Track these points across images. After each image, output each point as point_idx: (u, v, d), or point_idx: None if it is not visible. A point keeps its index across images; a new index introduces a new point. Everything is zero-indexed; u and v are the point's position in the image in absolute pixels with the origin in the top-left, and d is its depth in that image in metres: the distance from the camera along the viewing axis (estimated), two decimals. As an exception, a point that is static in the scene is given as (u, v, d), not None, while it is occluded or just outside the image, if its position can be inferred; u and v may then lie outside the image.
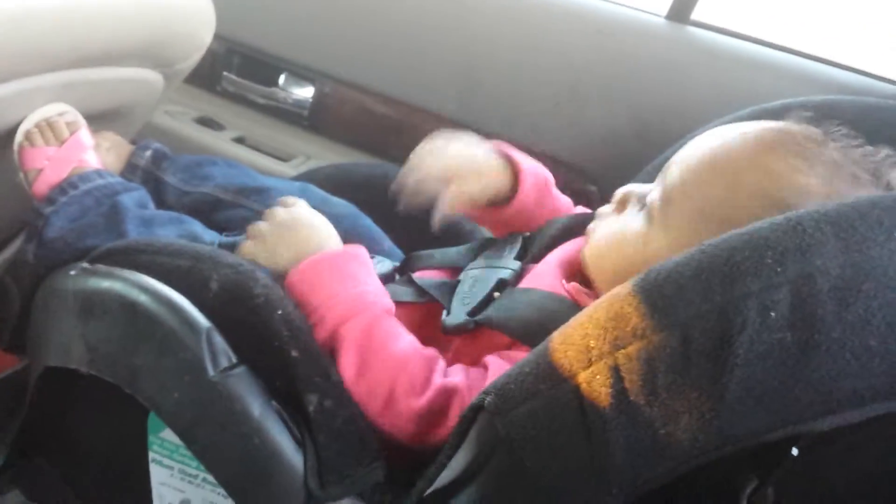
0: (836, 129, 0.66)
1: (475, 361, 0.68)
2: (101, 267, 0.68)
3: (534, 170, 0.85)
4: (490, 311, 0.69)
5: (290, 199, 0.78)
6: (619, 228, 0.70)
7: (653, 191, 0.69)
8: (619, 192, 0.73)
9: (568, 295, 0.68)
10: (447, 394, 0.63)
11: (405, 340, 0.68)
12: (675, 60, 1.12)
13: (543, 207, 0.85)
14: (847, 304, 0.46)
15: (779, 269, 0.47)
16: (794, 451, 0.51)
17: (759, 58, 1.10)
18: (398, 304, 0.77)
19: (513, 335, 0.66)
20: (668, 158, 0.71)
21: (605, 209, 0.74)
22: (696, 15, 1.14)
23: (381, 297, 0.70)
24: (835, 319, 0.46)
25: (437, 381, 0.64)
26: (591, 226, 0.74)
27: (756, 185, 0.61)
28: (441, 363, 0.67)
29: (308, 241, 0.72)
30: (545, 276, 0.72)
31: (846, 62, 1.08)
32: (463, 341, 0.71)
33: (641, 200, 0.70)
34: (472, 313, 0.70)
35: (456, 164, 0.81)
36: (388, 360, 0.65)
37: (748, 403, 0.48)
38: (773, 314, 0.47)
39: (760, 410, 0.48)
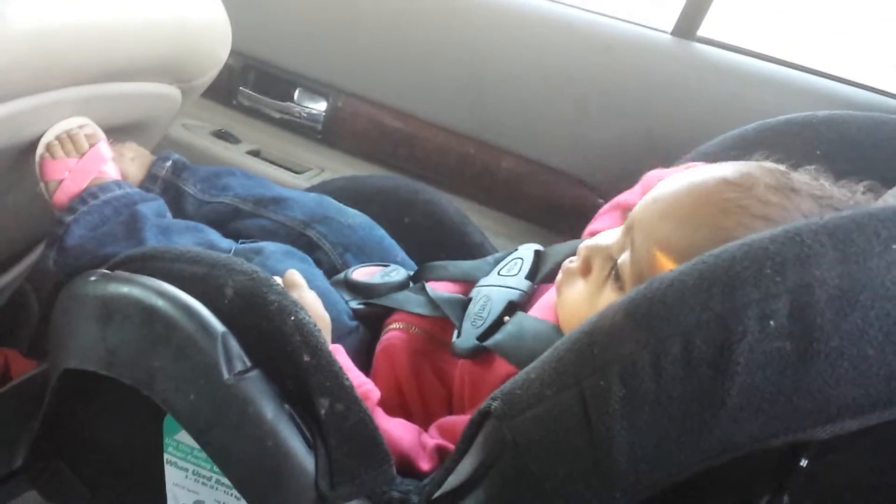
0: (807, 171, 0.65)
1: (479, 382, 0.69)
2: (120, 273, 0.70)
3: None
4: (499, 337, 0.70)
5: (295, 279, 0.74)
6: (589, 296, 0.68)
7: (619, 254, 0.66)
8: (582, 251, 0.70)
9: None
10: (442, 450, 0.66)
11: (395, 422, 0.69)
12: (681, 76, 1.14)
13: None
14: (845, 313, 0.47)
15: (778, 279, 0.48)
16: (804, 462, 0.52)
17: (764, 73, 1.12)
18: (410, 314, 0.79)
19: (518, 365, 0.66)
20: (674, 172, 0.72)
21: (569, 265, 0.71)
22: (702, 31, 1.16)
23: (368, 387, 0.70)
24: (833, 329, 0.47)
25: (430, 442, 0.67)
26: (557, 280, 0.72)
27: (723, 235, 0.58)
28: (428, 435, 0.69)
29: None
30: (551, 306, 0.72)
31: (850, 77, 1.10)
32: (470, 361, 0.72)
33: (608, 260, 0.68)
34: (481, 337, 0.71)
35: None
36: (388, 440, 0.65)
37: (748, 410, 0.49)
38: (772, 323, 0.48)
39: (760, 417, 0.49)
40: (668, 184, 0.66)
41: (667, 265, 0.62)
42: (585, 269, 0.69)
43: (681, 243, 0.62)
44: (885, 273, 0.48)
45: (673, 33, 1.17)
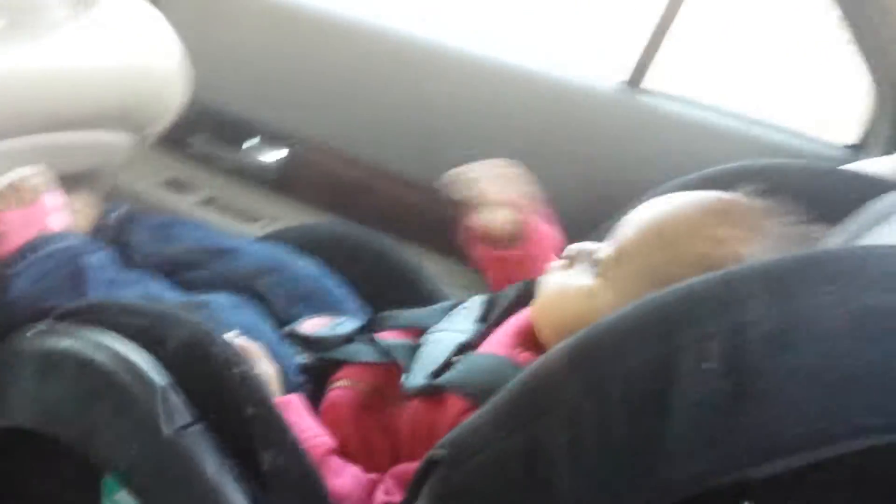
0: (782, 204, 0.69)
1: (431, 425, 0.69)
2: (59, 326, 0.69)
3: (549, 229, 0.91)
4: (449, 375, 0.70)
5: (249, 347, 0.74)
6: (567, 282, 0.72)
7: (603, 248, 0.71)
8: (571, 249, 0.75)
9: (522, 364, 0.69)
10: None
11: (347, 475, 0.69)
12: (626, 126, 1.17)
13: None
14: (777, 353, 0.48)
15: (711, 322, 0.49)
16: None
17: (708, 123, 1.15)
18: (358, 365, 0.79)
19: (469, 398, 0.67)
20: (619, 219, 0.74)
21: (555, 264, 0.76)
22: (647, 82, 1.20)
23: (321, 438, 0.70)
24: (766, 368, 0.48)
25: (379, 499, 0.66)
26: (540, 278, 0.76)
27: (698, 251, 0.64)
28: (381, 487, 0.68)
29: None
30: (501, 342, 0.74)
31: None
32: (421, 404, 0.71)
33: (590, 256, 0.72)
34: (432, 376, 0.72)
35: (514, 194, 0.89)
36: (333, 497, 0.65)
37: (688, 450, 0.49)
38: (707, 364, 0.49)
39: (700, 457, 0.50)
40: (661, 197, 0.73)
41: (641, 264, 0.67)
42: (567, 264, 0.74)
43: (659, 241, 0.67)
44: (815, 313, 0.49)
45: (619, 83, 1.20)
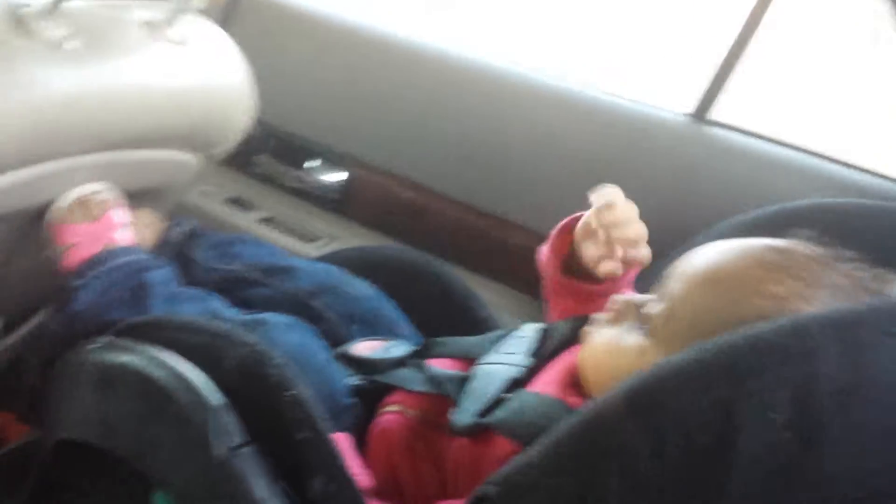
0: (842, 251, 0.65)
1: (477, 464, 0.68)
2: (120, 341, 0.70)
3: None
4: (499, 414, 0.69)
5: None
6: (616, 340, 0.69)
7: (651, 302, 0.68)
8: (617, 302, 0.71)
9: (573, 407, 0.67)
10: None
11: None
12: (692, 158, 1.14)
13: None
14: (847, 407, 0.46)
15: (781, 371, 0.47)
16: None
17: (777, 158, 1.12)
18: (409, 392, 0.78)
19: (519, 441, 0.65)
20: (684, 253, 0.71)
21: (600, 316, 0.72)
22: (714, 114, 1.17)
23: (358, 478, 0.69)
24: (834, 421, 0.46)
25: None
26: (585, 329, 0.73)
27: (756, 307, 0.60)
28: None
29: None
30: (554, 381, 0.71)
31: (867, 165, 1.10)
32: (469, 441, 0.70)
33: (638, 311, 0.69)
34: (481, 413, 0.70)
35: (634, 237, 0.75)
36: None
37: (748, 502, 0.48)
38: (772, 415, 0.47)
39: (760, 508, 0.48)
40: (711, 245, 0.68)
41: (696, 316, 0.63)
42: (615, 318, 0.70)
43: (714, 294, 0.63)
44: (887, 366, 0.47)
45: (685, 115, 1.18)
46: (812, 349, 0.48)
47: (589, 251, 0.76)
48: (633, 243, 0.74)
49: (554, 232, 0.84)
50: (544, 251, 0.86)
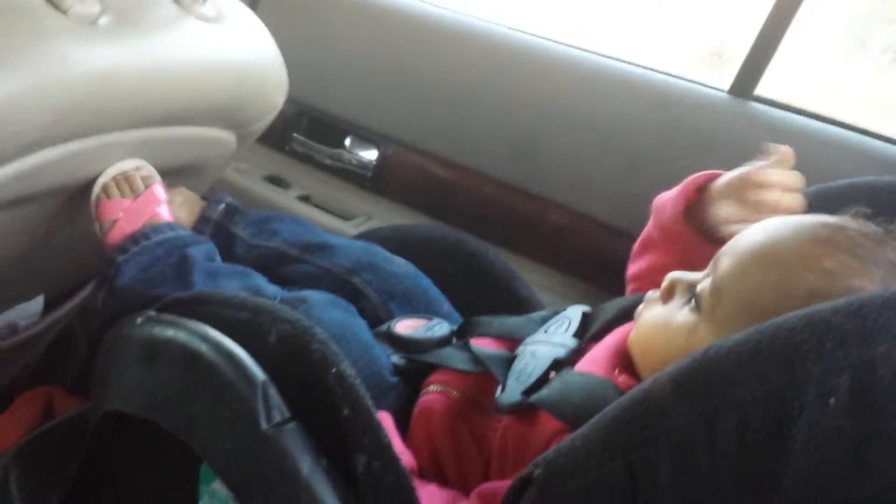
0: (894, 229, 0.64)
1: (524, 443, 0.67)
2: (166, 316, 0.70)
3: None
4: (544, 392, 0.68)
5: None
6: (666, 318, 0.68)
7: (702, 280, 0.67)
8: (667, 279, 0.70)
9: (620, 386, 0.66)
10: None
11: (429, 490, 0.67)
12: (736, 135, 1.12)
13: None
14: (909, 392, 0.45)
15: (840, 354, 0.46)
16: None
17: (822, 135, 1.10)
18: (452, 371, 0.78)
19: (564, 420, 0.65)
20: None
21: (652, 295, 0.72)
22: (759, 90, 1.15)
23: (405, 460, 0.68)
24: (895, 408, 0.45)
25: None
26: (638, 309, 0.72)
27: (807, 284, 0.59)
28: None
29: None
30: (600, 360, 0.71)
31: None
32: (514, 420, 0.70)
33: (689, 289, 0.68)
34: (526, 392, 0.70)
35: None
36: None
37: (805, 490, 0.47)
38: (832, 399, 0.45)
39: (817, 499, 0.47)
40: (762, 223, 0.66)
41: (746, 293, 0.62)
42: (667, 296, 0.69)
43: (764, 269, 0.62)
44: (952, 351, 0.45)
45: (729, 92, 1.15)
46: (872, 330, 0.46)
47: (724, 209, 0.75)
48: (779, 213, 0.71)
49: (689, 179, 0.82)
50: (669, 194, 0.84)
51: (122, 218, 0.88)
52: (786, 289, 0.60)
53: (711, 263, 0.67)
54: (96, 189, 0.89)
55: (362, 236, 1.12)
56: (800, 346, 0.47)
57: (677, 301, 0.68)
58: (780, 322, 0.49)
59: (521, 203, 1.28)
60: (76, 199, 0.91)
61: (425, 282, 0.97)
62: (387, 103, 1.38)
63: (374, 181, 1.39)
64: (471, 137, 1.31)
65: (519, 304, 0.99)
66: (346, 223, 1.34)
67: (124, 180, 0.90)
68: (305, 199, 1.39)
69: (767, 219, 0.67)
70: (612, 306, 0.79)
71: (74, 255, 1.01)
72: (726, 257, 0.65)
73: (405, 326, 0.85)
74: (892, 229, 0.64)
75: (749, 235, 0.66)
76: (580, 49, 1.27)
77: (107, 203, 0.89)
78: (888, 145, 1.08)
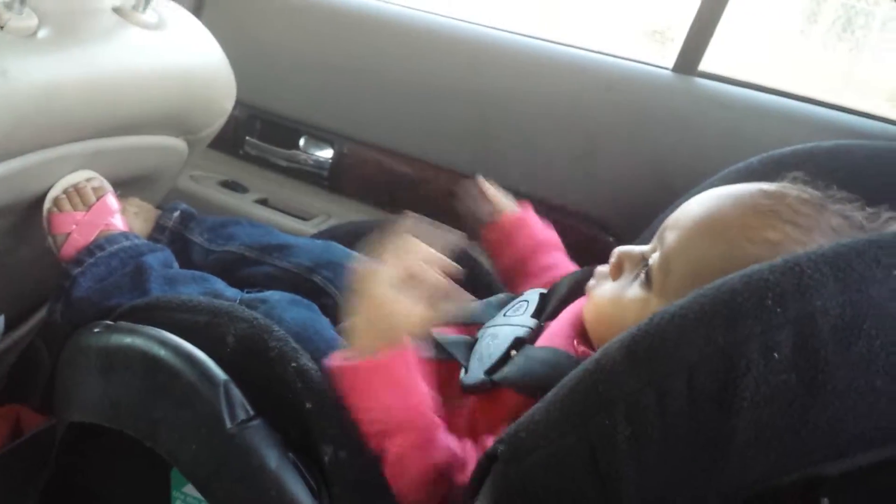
0: (834, 193, 0.66)
1: (492, 420, 0.68)
2: (123, 324, 0.70)
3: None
4: (506, 370, 0.70)
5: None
6: (618, 294, 0.70)
7: (649, 254, 0.69)
8: (615, 255, 0.72)
9: (580, 356, 0.68)
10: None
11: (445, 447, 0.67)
12: (684, 111, 1.14)
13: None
14: (849, 343, 0.46)
15: (779, 310, 0.47)
16: (825, 501, 0.50)
17: (767, 105, 1.12)
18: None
19: (527, 394, 0.66)
20: (670, 210, 0.71)
21: (602, 269, 0.74)
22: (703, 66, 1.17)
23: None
24: (838, 359, 0.46)
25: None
26: (590, 283, 0.74)
27: (751, 255, 0.60)
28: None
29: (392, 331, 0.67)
30: (559, 334, 0.72)
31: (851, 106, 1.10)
32: (480, 399, 0.71)
33: (637, 262, 0.69)
34: (489, 372, 0.71)
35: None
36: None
37: (756, 446, 0.48)
38: (776, 355, 0.47)
39: (769, 454, 0.48)
40: (704, 194, 0.69)
41: (693, 265, 0.64)
42: (616, 271, 0.71)
43: (709, 242, 0.64)
44: (887, 300, 0.47)
45: (674, 69, 1.17)
46: (808, 286, 0.47)
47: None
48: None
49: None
50: None
51: (76, 230, 0.87)
52: (732, 261, 0.60)
53: (657, 237, 0.69)
54: (47, 203, 0.88)
55: (321, 235, 1.12)
56: (741, 305, 0.48)
57: (627, 276, 0.70)
58: (720, 284, 0.50)
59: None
60: (29, 215, 0.90)
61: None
62: (339, 101, 1.38)
63: (330, 180, 1.38)
64: (425, 131, 1.32)
65: (480, 291, 1.00)
66: (306, 224, 1.34)
67: (75, 193, 0.89)
68: (263, 202, 1.39)
69: (707, 191, 0.68)
70: (565, 282, 0.80)
71: (32, 273, 1.00)
72: (671, 232, 0.67)
73: (368, 320, 0.85)
74: (831, 193, 0.66)
75: (692, 208, 0.67)
76: (528, 36, 1.28)
77: (59, 216, 0.88)
78: (830, 111, 1.11)
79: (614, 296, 0.70)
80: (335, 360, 0.65)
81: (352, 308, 0.67)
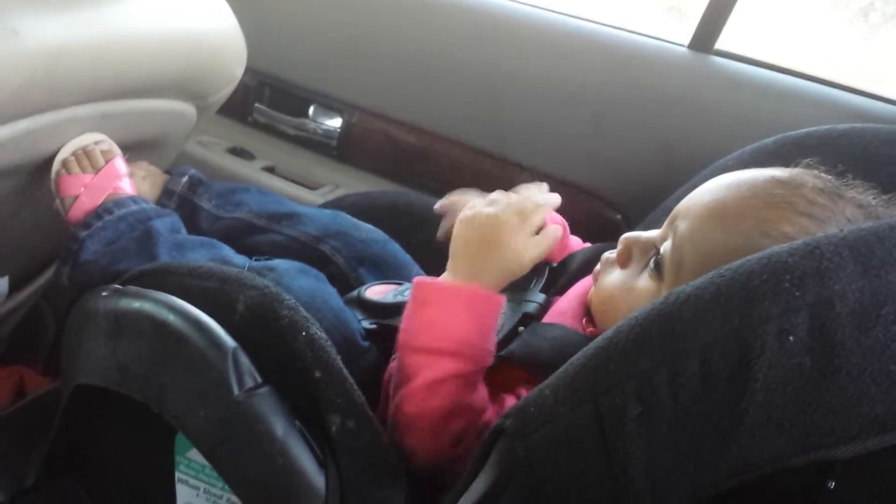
0: (850, 180, 0.65)
1: (497, 394, 0.68)
2: (131, 288, 0.70)
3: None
4: (514, 346, 0.69)
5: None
6: (627, 283, 0.69)
7: (661, 243, 0.67)
8: (622, 242, 0.71)
9: (589, 336, 0.67)
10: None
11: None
12: (698, 89, 1.13)
13: None
14: (866, 328, 0.46)
15: (797, 293, 0.47)
16: (831, 485, 0.50)
17: (782, 86, 1.11)
18: None
19: (534, 371, 0.66)
20: (693, 187, 0.70)
21: (609, 255, 0.72)
22: (719, 44, 1.15)
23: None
24: (854, 344, 0.46)
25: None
26: (595, 270, 0.73)
27: (766, 248, 0.59)
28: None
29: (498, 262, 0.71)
30: (568, 312, 0.72)
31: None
32: (487, 373, 0.71)
33: (646, 250, 0.68)
34: (496, 347, 0.71)
35: None
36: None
37: (768, 428, 0.48)
38: (791, 338, 0.46)
39: (780, 436, 0.48)
40: (716, 180, 0.67)
41: (706, 257, 0.62)
42: (624, 259, 0.70)
43: (723, 234, 0.62)
44: (906, 286, 0.47)
45: (689, 47, 1.16)
46: (827, 269, 0.47)
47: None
48: None
49: None
50: None
51: (84, 193, 0.87)
52: (745, 253, 0.59)
53: (667, 224, 0.67)
54: (56, 165, 0.88)
55: (329, 204, 1.12)
56: (758, 287, 0.48)
57: (635, 265, 0.69)
58: (738, 265, 0.49)
59: (488, 166, 1.28)
60: (36, 176, 0.89)
61: (394, 247, 0.97)
62: (349, 71, 1.36)
63: (339, 149, 1.38)
64: (435, 102, 1.31)
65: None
66: (313, 193, 1.33)
67: (84, 155, 0.89)
68: (270, 169, 1.38)
69: (719, 177, 0.67)
70: (576, 258, 0.80)
71: (38, 234, 1.00)
72: (683, 222, 0.65)
73: (375, 292, 0.85)
74: (846, 180, 0.65)
75: (704, 198, 0.65)
76: (543, 9, 1.26)
77: (67, 179, 0.87)
78: (847, 94, 1.09)
79: (623, 285, 0.69)
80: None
81: (461, 232, 0.71)
